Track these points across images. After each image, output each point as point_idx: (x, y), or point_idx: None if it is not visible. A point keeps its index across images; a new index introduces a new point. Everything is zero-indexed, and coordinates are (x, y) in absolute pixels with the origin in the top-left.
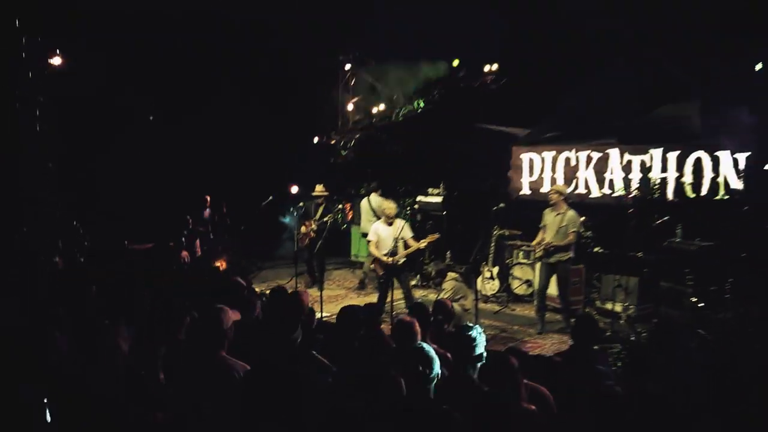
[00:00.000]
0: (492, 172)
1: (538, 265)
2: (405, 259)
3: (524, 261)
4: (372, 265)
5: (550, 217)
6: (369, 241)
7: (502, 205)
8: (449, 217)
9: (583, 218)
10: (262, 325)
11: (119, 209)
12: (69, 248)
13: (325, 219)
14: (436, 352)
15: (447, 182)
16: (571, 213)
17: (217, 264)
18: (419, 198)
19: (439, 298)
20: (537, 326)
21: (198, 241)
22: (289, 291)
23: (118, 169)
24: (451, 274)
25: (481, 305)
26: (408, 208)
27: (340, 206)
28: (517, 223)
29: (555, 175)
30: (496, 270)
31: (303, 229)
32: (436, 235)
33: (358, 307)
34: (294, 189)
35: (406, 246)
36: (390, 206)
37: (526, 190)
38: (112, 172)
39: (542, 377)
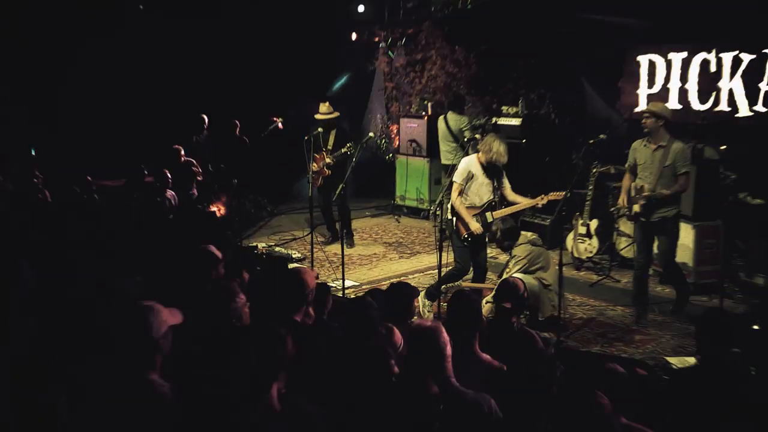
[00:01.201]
0: (596, 82)
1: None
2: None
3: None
4: (453, 220)
5: (644, 153)
6: (453, 184)
7: (602, 136)
8: (530, 147)
9: (724, 147)
10: (237, 335)
11: (87, 132)
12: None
13: (343, 150)
14: (490, 368)
15: (530, 98)
16: (678, 145)
17: (213, 208)
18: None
19: (505, 275)
20: (639, 319)
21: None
22: (292, 266)
23: (89, 79)
24: (525, 235)
25: (572, 273)
26: (467, 135)
27: (371, 134)
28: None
29: (686, 86)
30: (594, 224)
31: (314, 166)
32: (563, 193)
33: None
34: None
35: (504, 201)
36: (503, 149)
37: (642, 107)
38: (81, 82)
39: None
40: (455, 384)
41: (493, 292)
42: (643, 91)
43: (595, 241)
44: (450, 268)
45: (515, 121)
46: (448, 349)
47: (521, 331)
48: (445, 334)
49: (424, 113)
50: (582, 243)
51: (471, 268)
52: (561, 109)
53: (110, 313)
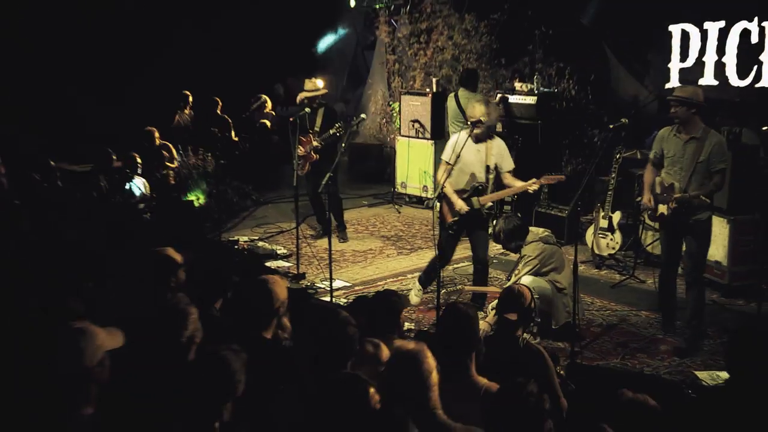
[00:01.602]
0: (622, 54)
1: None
2: (492, 204)
3: None
4: (438, 204)
5: (674, 145)
6: (441, 163)
7: (624, 121)
8: (547, 128)
9: (766, 129)
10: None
11: (54, 112)
12: None
13: (332, 131)
14: (489, 395)
15: (547, 73)
16: (715, 137)
17: (192, 197)
18: (499, 97)
19: (514, 278)
20: (665, 326)
21: (171, 162)
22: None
23: (63, 51)
24: (536, 231)
25: (592, 272)
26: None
27: (363, 116)
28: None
29: (723, 60)
30: (617, 217)
31: (300, 150)
32: (561, 177)
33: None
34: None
35: (500, 184)
36: (482, 109)
37: (674, 82)
38: (54, 55)
39: None
40: (441, 417)
41: (525, 262)
42: (675, 65)
43: (618, 236)
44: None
45: (530, 100)
46: (434, 377)
47: (527, 347)
48: (429, 360)
49: (428, 90)
50: (603, 238)
51: (473, 264)
52: (582, 85)
53: (39, 337)
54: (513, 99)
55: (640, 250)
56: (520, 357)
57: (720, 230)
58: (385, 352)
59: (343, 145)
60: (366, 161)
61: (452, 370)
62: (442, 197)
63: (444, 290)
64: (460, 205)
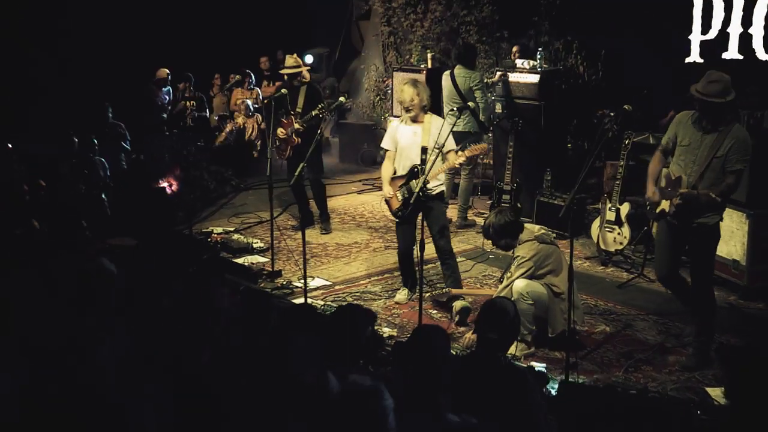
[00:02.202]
0: (637, 25)
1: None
2: (440, 184)
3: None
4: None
5: (691, 133)
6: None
7: (627, 107)
8: (552, 109)
9: None
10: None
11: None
12: None
13: (314, 112)
14: None
15: (553, 47)
16: (739, 132)
17: (163, 184)
18: (498, 75)
19: (506, 281)
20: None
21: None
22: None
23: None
24: (530, 229)
25: (597, 270)
26: (477, 96)
27: (342, 99)
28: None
29: (750, 30)
30: (625, 208)
31: (280, 132)
32: (483, 146)
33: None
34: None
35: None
36: (410, 92)
37: (695, 56)
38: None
39: None
40: None
41: (518, 264)
42: (695, 37)
43: (626, 230)
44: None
45: (532, 78)
46: (390, 421)
47: (509, 369)
48: (385, 402)
49: (423, 65)
50: (610, 232)
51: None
52: (592, 61)
53: None
54: (513, 77)
55: (651, 245)
56: (501, 381)
57: (738, 226)
58: (332, 387)
59: (319, 132)
60: (357, 143)
61: (420, 410)
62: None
63: (429, 293)
64: (386, 189)
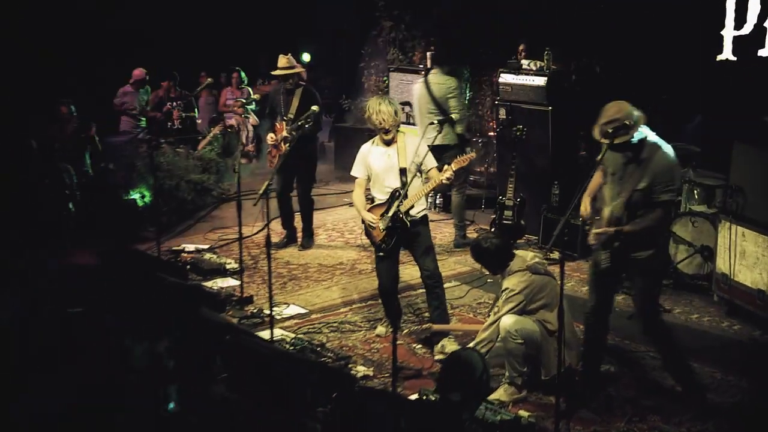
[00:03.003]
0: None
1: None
2: (424, 208)
3: (700, 208)
4: (362, 228)
5: (614, 160)
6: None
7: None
8: (558, 117)
9: None
10: None
11: None
12: None
13: (300, 121)
14: None
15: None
16: (663, 157)
17: (134, 195)
18: (502, 77)
19: (492, 317)
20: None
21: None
22: None
23: None
24: (523, 256)
25: None
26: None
27: (314, 108)
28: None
29: None
30: None
31: (270, 138)
32: (468, 156)
33: None
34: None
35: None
36: (389, 111)
37: (728, 53)
38: None
39: None
40: None
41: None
42: (728, 33)
43: None
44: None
45: (539, 80)
46: None
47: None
48: None
49: (421, 66)
50: None
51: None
52: (609, 60)
53: None
54: (518, 80)
55: (668, 269)
56: None
57: (764, 251)
58: None
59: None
60: (354, 147)
61: None
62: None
63: (407, 329)
64: (368, 216)
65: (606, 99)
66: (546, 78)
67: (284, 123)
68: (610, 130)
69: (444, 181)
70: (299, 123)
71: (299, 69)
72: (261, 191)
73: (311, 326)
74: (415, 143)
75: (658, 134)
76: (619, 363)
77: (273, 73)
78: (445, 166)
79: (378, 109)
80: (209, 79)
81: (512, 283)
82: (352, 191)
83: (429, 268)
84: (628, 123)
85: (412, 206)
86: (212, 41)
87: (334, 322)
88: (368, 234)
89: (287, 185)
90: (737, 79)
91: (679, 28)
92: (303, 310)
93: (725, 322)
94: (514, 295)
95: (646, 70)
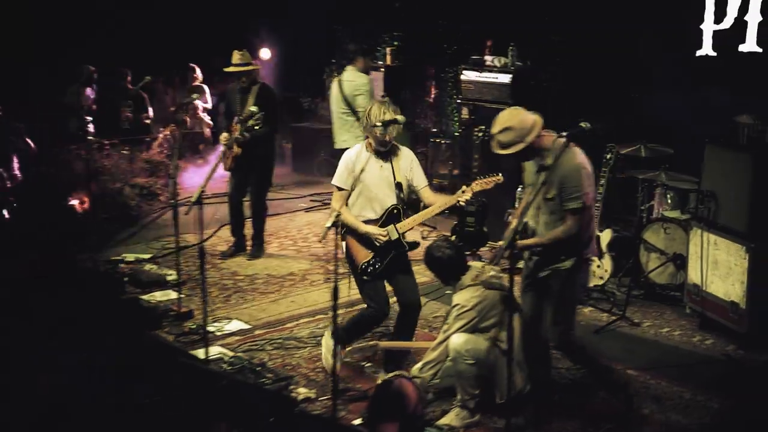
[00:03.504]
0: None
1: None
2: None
3: (673, 214)
4: (344, 243)
5: (530, 170)
6: (338, 190)
7: (584, 125)
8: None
9: None
10: None
11: None
12: None
13: (251, 122)
14: None
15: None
16: (568, 165)
17: (75, 200)
18: (464, 74)
19: (441, 336)
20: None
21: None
22: None
23: None
24: (476, 267)
25: None
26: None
27: (253, 108)
28: (667, 129)
29: None
30: (607, 236)
31: (222, 138)
32: (498, 177)
33: None
34: None
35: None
36: (394, 116)
37: (707, 48)
38: None
39: None
40: None
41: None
42: (708, 27)
43: (607, 262)
44: (362, 308)
45: (503, 78)
46: None
47: None
48: None
49: (380, 63)
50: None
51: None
52: (580, 56)
53: None
54: (481, 77)
55: (639, 279)
56: None
57: (737, 261)
58: None
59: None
60: (314, 149)
61: None
62: (346, 233)
63: (349, 347)
64: (375, 231)
65: (576, 95)
66: (510, 75)
67: (237, 125)
68: (504, 140)
69: (459, 203)
70: (248, 124)
71: (255, 66)
72: (194, 198)
73: (253, 343)
74: (410, 156)
75: (626, 135)
76: (580, 381)
77: (226, 69)
78: (464, 187)
79: (381, 109)
80: (147, 78)
81: (464, 298)
82: (311, 196)
83: (412, 299)
84: (522, 131)
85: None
86: (167, 36)
87: (278, 339)
88: (351, 254)
89: (240, 190)
90: (720, 84)
91: (658, 22)
92: (246, 326)
93: (697, 337)
94: (465, 311)
95: (619, 68)
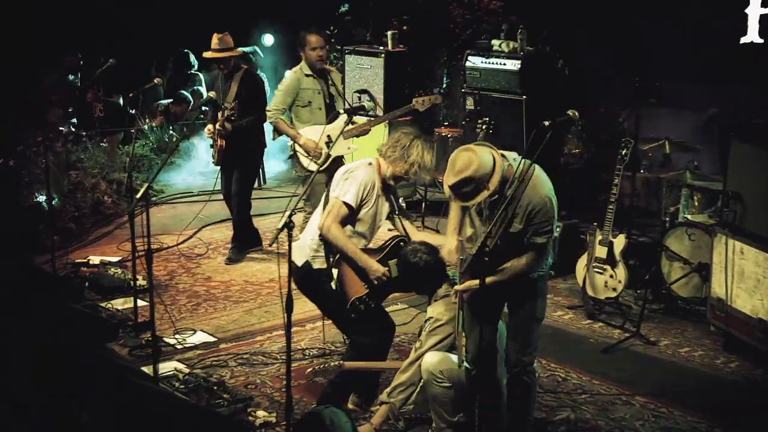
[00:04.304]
0: None
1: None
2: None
3: (699, 218)
4: (333, 271)
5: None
6: (336, 206)
7: (571, 113)
8: (533, 107)
9: None
10: None
11: None
12: None
13: (227, 111)
14: None
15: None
16: (537, 196)
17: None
18: (470, 60)
19: (415, 353)
20: None
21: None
22: None
23: None
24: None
25: (580, 325)
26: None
27: (212, 94)
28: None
29: None
30: (620, 242)
31: (207, 130)
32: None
33: None
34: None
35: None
36: (429, 163)
37: (753, 35)
38: None
39: None
40: None
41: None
42: (754, 11)
43: (621, 271)
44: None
45: (511, 65)
46: None
47: None
48: None
49: (382, 48)
50: (600, 274)
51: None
52: (597, 43)
53: None
54: (487, 64)
55: (658, 291)
56: None
57: (765, 272)
58: None
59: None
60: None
61: None
62: (340, 262)
63: (311, 367)
64: (376, 267)
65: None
66: (520, 61)
67: (226, 110)
68: (466, 192)
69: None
70: (229, 115)
71: (236, 53)
72: (139, 195)
73: (216, 357)
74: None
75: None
76: (582, 408)
77: (204, 55)
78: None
79: (423, 162)
80: (111, 60)
81: (438, 311)
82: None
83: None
84: (483, 177)
85: None
86: (167, 36)
87: (245, 353)
88: (342, 285)
89: (230, 185)
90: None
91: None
92: (211, 338)
93: (720, 358)
94: (439, 326)
95: (646, 53)
